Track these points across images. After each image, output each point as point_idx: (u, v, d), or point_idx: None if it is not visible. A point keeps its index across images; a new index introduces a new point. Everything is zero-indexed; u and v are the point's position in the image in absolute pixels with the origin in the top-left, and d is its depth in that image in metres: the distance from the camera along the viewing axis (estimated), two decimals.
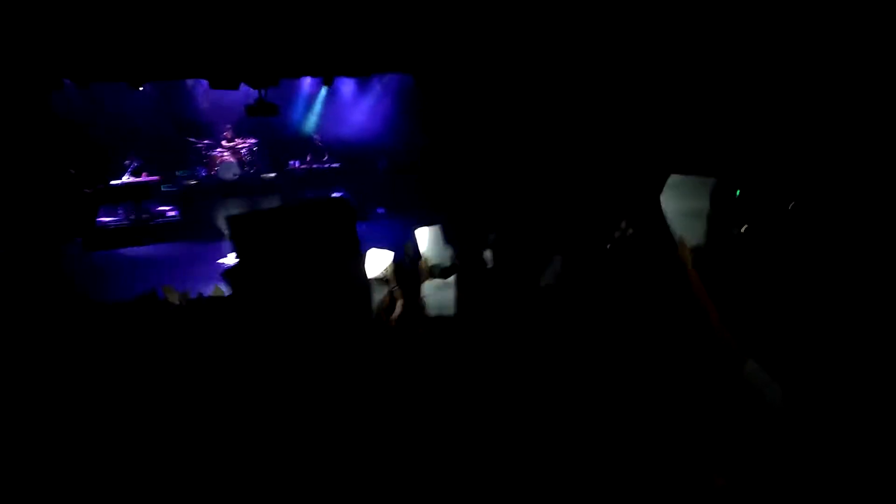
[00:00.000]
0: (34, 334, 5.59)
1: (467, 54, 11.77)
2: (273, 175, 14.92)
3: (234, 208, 13.60)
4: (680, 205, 2.79)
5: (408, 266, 6.65)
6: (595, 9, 10.11)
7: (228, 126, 14.35)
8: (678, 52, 9.13)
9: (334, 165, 15.38)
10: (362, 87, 15.10)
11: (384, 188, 15.46)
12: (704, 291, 2.51)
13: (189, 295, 7.52)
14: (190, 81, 13.89)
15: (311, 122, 15.51)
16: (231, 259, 11.52)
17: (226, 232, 9.33)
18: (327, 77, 13.57)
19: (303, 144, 15.45)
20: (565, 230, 6.98)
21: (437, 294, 3.86)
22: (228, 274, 2.03)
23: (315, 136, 15.33)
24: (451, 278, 3.98)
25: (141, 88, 12.79)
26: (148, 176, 13.90)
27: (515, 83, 11.85)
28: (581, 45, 10.73)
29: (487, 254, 5.58)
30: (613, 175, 10.06)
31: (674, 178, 2.82)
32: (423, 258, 4.40)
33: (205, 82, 12.67)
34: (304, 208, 2.14)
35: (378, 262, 6.05)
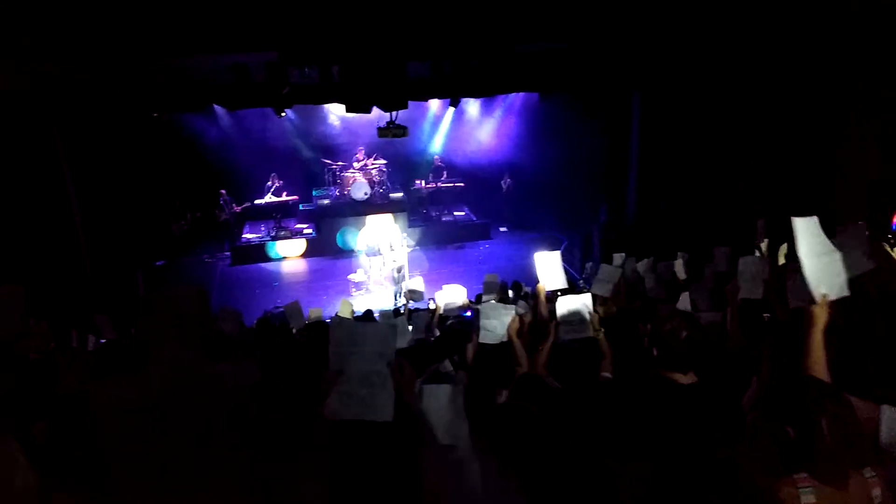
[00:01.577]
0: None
1: (592, 72, 11.57)
2: (400, 194, 15.42)
3: (363, 226, 14.20)
4: (816, 253, 2.34)
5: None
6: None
7: (361, 148, 15.04)
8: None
9: (458, 184, 15.64)
10: (488, 105, 15.26)
11: (507, 206, 15.48)
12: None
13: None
14: (325, 106, 14.74)
15: (437, 142, 15.89)
16: (359, 274, 12.01)
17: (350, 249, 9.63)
18: (454, 98, 13.86)
19: (427, 165, 15.87)
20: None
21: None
22: None
23: (435, 157, 15.69)
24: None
25: (283, 114, 13.75)
26: (287, 195, 14.88)
27: (638, 103, 11.48)
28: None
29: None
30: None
31: (803, 223, 2.36)
32: (540, 283, 4.27)
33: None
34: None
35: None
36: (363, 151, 15.03)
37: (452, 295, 6.11)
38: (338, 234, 14.08)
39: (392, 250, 11.51)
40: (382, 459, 2.34)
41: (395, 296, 11.52)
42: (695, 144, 11.18)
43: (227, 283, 12.97)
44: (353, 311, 7.60)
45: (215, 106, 13.44)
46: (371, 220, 14.15)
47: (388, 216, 14.28)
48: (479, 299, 6.73)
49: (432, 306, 8.44)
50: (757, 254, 5.04)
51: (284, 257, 14.02)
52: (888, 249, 4.00)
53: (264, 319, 7.88)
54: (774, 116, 9.54)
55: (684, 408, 2.53)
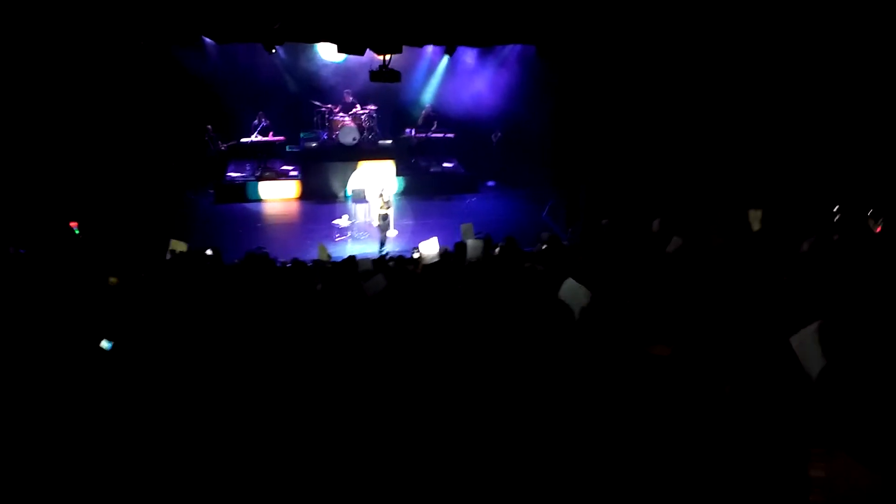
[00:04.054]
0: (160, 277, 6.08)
1: (592, 25, 11.35)
2: (389, 142, 15.24)
3: (350, 171, 14.08)
4: None
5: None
6: None
7: (348, 91, 14.77)
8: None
9: (449, 136, 15.47)
10: (483, 57, 14.99)
11: (496, 161, 15.38)
12: None
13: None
14: (317, 46, 14.38)
15: (430, 91, 15.63)
16: (344, 220, 11.96)
17: (339, 194, 9.82)
18: (450, 46, 13.58)
19: (418, 113, 15.65)
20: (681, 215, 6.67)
21: None
22: None
23: (427, 106, 15.46)
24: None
25: (273, 51, 13.41)
26: (274, 136, 14.63)
27: (639, 57, 11.31)
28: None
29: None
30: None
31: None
32: None
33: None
34: None
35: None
36: (351, 94, 14.77)
37: (430, 247, 6.82)
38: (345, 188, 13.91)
39: (380, 198, 11.44)
40: None
41: (380, 243, 11.52)
42: (683, 104, 11.14)
43: (211, 220, 12.86)
44: (329, 256, 7.60)
45: (204, 38, 13.08)
46: (362, 165, 14.04)
47: (386, 163, 14.18)
48: (458, 248, 6.89)
49: (416, 255, 8.52)
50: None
51: (270, 199, 13.90)
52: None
53: (251, 255, 7.87)
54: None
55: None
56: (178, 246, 7.49)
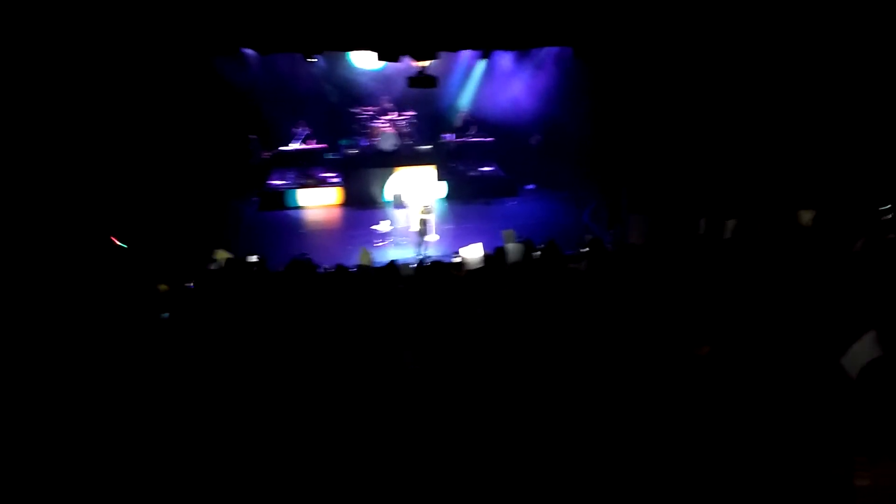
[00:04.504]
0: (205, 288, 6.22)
1: (628, 25, 11.21)
2: (428, 147, 15.31)
3: (390, 177, 14.20)
4: None
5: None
6: None
7: (387, 97, 14.92)
8: None
9: (487, 140, 15.46)
10: (519, 60, 14.94)
11: (535, 164, 15.30)
12: None
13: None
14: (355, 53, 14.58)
15: (467, 95, 15.66)
16: (384, 225, 12.06)
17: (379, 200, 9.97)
18: (486, 50, 13.59)
19: (455, 118, 15.70)
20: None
21: None
22: None
23: (463, 111, 15.49)
24: None
25: (314, 60, 13.64)
26: (315, 143, 14.87)
27: (678, 56, 11.12)
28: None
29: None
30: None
31: None
32: None
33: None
34: None
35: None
36: (389, 101, 14.92)
37: (474, 251, 6.91)
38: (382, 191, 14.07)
39: (420, 203, 11.50)
40: None
41: (419, 248, 11.58)
42: (736, 111, 10.90)
43: (255, 227, 13.13)
44: (371, 261, 7.66)
45: (244, 49, 13.39)
46: (398, 171, 14.17)
47: (427, 168, 14.29)
48: (498, 252, 6.93)
49: (456, 260, 8.53)
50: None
51: (312, 206, 14.12)
52: None
53: (294, 262, 7.99)
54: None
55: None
56: (222, 255, 7.60)
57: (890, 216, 6.51)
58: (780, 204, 7.22)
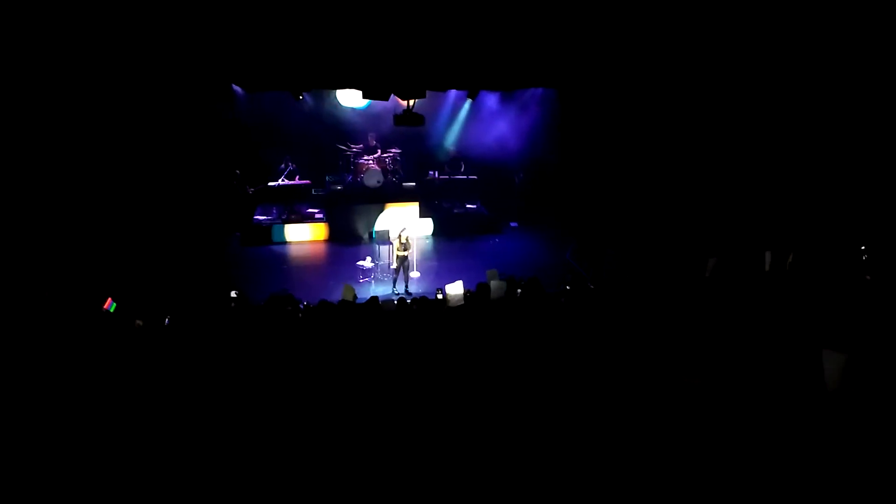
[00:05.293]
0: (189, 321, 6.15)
1: (611, 68, 11.49)
2: (413, 184, 15.40)
3: (375, 213, 14.24)
4: None
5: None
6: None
7: (372, 134, 15.05)
8: None
9: (472, 177, 15.61)
10: (505, 101, 15.21)
11: (519, 202, 15.43)
12: None
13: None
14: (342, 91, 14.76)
15: (453, 134, 15.86)
16: (367, 262, 12.03)
17: (364, 236, 9.98)
18: (472, 90, 13.82)
19: (442, 156, 15.86)
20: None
21: None
22: None
23: (450, 149, 15.68)
24: None
25: (301, 98, 13.79)
26: (300, 179, 14.92)
27: (660, 99, 11.39)
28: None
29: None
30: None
31: None
32: None
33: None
34: None
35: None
36: (375, 138, 15.05)
37: (455, 289, 7.14)
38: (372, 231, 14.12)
39: (398, 239, 11.52)
40: None
41: (394, 283, 11.58)
42: (716, 152, 11.13)
43: (238, 262, 13.03)
44: (355, 297, 7.62)
45: (234, 86, 13.52)
46: (389, 208, 14.25)
47: (411, 205, 14.37)
48: (480, 288, 6.97)
49: (439, 297, 8.52)
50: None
51: (296, 241, 14.08)
52: None
53: (274, 298, 7.93)
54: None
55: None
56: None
57: (865, 257, 6.62)
58: (755, 244, 7.31)
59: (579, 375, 3.23)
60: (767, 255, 6.20)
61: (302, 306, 8.53)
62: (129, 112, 11.23)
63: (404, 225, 11.97)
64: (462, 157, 15.64)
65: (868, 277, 5.38)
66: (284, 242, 14.02)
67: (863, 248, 7.04)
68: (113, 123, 11.14)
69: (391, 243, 12.00)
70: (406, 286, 11.59)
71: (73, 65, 9.76)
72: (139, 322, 6.20)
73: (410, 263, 11.78)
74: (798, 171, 10.20)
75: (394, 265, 11.65)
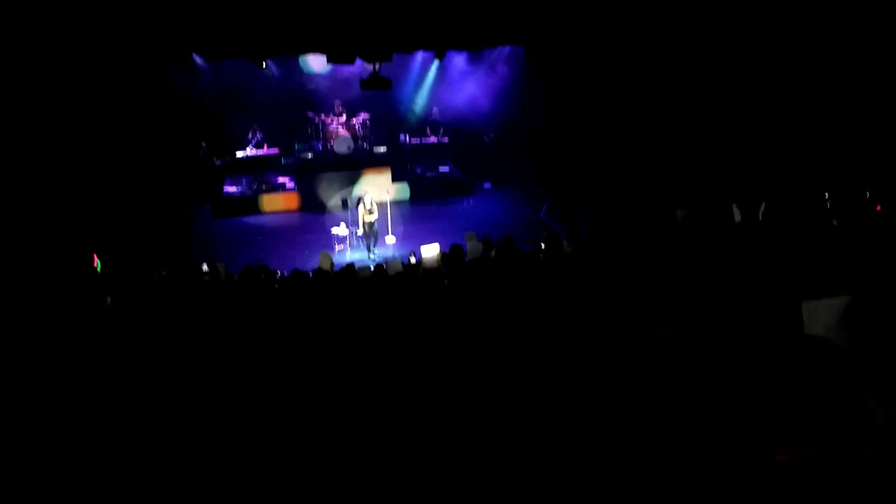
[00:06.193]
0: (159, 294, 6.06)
1: (579, 24, 11.37)
2: (384, 149, 15.24)
3: (346, 180, 14.09)
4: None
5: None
6: None
7: (339, 101, 14.78)
8: None
9: (443, 140, 15.48)
10: (473, 61, 15.01)
11: (491, 162, 15.38)
12: None
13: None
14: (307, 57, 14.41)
15: (422, 97, 15.66)
16: (342, 229, 11.94)
17: (333, 205, 9.89)
18: (440, 51, 13.61)
19: (412, 119, 15.69)
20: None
21: None
22: None
23: (419, 111, 15.53)
24: None
25: (264, 65, 13.45)
26: (269, 148, 14.64)
27: (629, 54, 11.33)
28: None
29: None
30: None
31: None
32: None
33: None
34: None
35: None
36: (342, 103, 14.78)
37: (430, 251, 7.27)
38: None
39: (362, 205, 11.46)
40: None
41: (368, 249, 11.56)
42: (677, 102, 11.15)
43: (210, 236, 12.85)
44: (332, 264, 7.58)
45: (194, 55, 13.11)
46: (358, 174, 14.13)
47: (384, 171, 14.23)
48: (454, 249, 6.98)
49: (413, 260, 8.53)
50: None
51: (268, 212, 13.90)
52: None
53: (248, 269, 7.85)
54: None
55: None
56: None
57: (830, 203, 6.74)
58: (725, 194, 7.40)
59: (555, 333, 3.26)
60: (735, 208, 6.29)
61: (278, 276, 8.47)
62: (84, 84, 10.85)
63: (372, 190, 11.91)
64: (433, 120, 15.49)
65: (835, 223, 5.48)
66: (255, 213, 13.83)
67: (826, 195, 7.18)
68: (68, 96, 10.77)
69: (357, 209, 11.96)
70: (371, 250, 11.57)
71: (22, 34, 9.36)
72: (110, 299, 6.10)
73: (378, 228, 11.79)
74: (764, 122, 10.31)
75: (359, 232, 11.64)
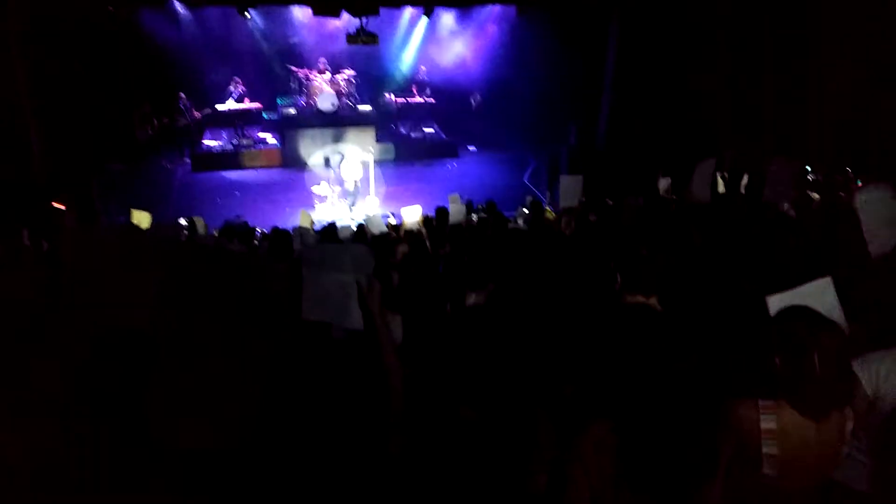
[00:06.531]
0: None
1: None
2: (369, 107, 14.98)
3: (329, 138, 13.85)
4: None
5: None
6: None
7: (323, 59, 14.40)
8: None
9: (429, 100, 15.23)
10: (462, 19, 14.70)
11: (477, 125, 15.20)
12: None
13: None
14: (293, 9, 13.99)
15: (409, 54, 15.35)
16: (322, 187, 11.79)
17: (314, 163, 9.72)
18: (428, 7, 13.29)
19: (399, 77, 15.40)
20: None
21: None
22: None
23: (406, 70, 15.24)
24: None
25: (248, 15, 13.03)
26: (250, 102, 14.29)
27: (619, 14, 11.18)
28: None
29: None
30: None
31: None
32: None
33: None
34: None
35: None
36: (327, 59, 14.42)
37: (412, 213, 7.32)
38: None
39: (343, 164, 11.35)
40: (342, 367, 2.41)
41: (350, 209, 11.49)
42: (669, 71, 11.06)
43: (188, 190, 12.63)
44: (312, 223, 7.50)
45: (175, 2, 12.66)
46: (341, 132, 13.89)
47: (367, 130, 13.99)
48: (438, 212, 6.92)
49: (392, 221, 8.46)
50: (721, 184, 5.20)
51: (249, 167, 13.66)
52: None
53: (228, 227, 7.75)
54: (750, 46, 9.44)
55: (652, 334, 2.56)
56: (141, 218, 6.86)
57: (812, 177, 6.78)
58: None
59: (540, 295, 3.26)
60: (719, 177, 6.29)
61: (258, 234, 8.37)
62: (49, 27, 10.43)
63: (354, 149, 11.80)
64: (418, 79, 15.21)
65: (816, 196, 5.52)
66: (235, 168, 13.58)
67: (807, 167, 7.21)
68: (45, 46, 10.36)
69: (338, 168, 11.83)
70: (351, 210, 11.52)
71: None
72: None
73: (360, 189, 11.69)
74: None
75: (339, 190, 11.63)
